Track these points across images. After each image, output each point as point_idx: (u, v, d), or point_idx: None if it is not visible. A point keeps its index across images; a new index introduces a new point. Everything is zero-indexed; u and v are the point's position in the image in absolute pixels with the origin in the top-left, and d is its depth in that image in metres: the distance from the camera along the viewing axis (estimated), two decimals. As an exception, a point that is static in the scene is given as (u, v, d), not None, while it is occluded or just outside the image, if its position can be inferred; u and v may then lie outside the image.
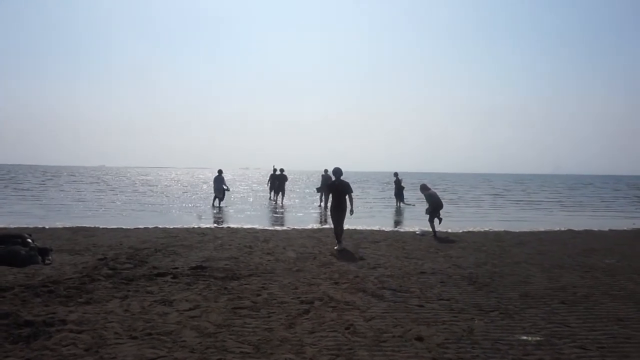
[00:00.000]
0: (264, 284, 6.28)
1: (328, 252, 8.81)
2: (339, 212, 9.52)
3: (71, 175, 65.24)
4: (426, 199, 11.60)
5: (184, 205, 20.81)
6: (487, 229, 12.89)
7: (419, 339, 4.30)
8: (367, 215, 17.13)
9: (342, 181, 9.54)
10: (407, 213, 18.70)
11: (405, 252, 9.07)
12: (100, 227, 11.79)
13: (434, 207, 11.38)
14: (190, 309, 5.07)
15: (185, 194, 29.38)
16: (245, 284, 6.24)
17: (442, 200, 11.86)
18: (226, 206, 19.96)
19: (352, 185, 9.78)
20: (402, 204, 21.53)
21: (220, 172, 19.12)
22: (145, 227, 11.80)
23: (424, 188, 11.83)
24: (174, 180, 52.98)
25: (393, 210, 20.50)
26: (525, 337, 4.39)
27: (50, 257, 7.41)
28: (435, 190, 11.97)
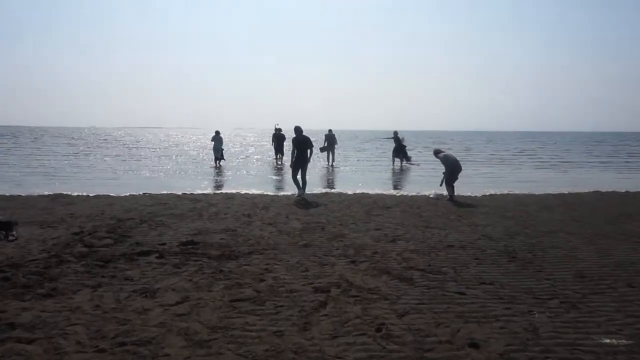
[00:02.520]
0: (268, 264, 5.27)
1: (337, 221, 7.78)
2: (302, 164, 10.60)
3: (56, 136, 63.17)
4: (442, 162, 10.46)
5: (178, 168, 19.62)
6: (506, 192, 11.86)
7: (474, 345, 3.32)
8: (371, 179, 16.09)
9: (305, 136, 10.60)
10: (413, 174, 17.60)
11: (424, 219, 8.07)
12: (82, 194, 10.66)
13: (452, 170, 10.30)
14: (177, 303, 4.05)
15: (180, 155, 28.04)
16: (245, 265, 5.23)
17: (460, 163, 10.71)
18: (225, 167, 19.19)
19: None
20: (405, 163, 20.41)
21: (217, 132, 19.47)
22: (132, 195, 10.66)
23: (437, 152, 10.72)
24: (171, 142, 51.32)
25: (394, 170, 19.26)
26: (608, 340, 3.42)
27: (14, 233, 6.33)
28: (450, 152, 10.80)
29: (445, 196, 10.36)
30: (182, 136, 75.35)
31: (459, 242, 6.40)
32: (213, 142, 19.44)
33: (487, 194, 11.44)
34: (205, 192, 11.39)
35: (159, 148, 35.44)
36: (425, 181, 14.33)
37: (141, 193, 10.90)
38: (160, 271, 4.96)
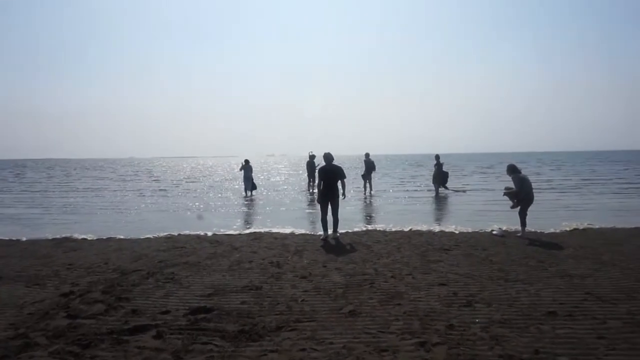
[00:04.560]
0: (303, 349, 3.75)
1: (388, 272, 6.20)
2: (332, 198, 8.90)
3: (87, 168, 63.45)
4: (516, 183, 8.58)
5: (204, 202, 18.43)
6: (585, 225, 9.92)
7: None
8: (416, 211, 14.39)
9: (335, 166, 8.96)
10: (462, 204, 15.70)
11: (498, 267, 6.37)
12: (91, 237, 9.42)
13: (528, 198, 8.52)
14: None
15: (209, 187, 27.01)
16: (272, 351, 3.72)
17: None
18: (255, 198, 18.16)
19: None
20: (443, 189, 18.48)
21: (247, 161, 18.97)
22: (146, 237, 9.35)
23: (513, 169, 8.75)
24: (203, 172, 50.82)
25: (435, 198, 17.15)
26: None
27: (-14, 297, 5.08)
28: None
29: (517, 232, 8.61)
30: (214, 166, 75.14)
31: (560, 307, 4.69)
32: (243, 172, 19.12)
33: (565, 229, 9.54)
34: (229, 232, 9.99)
35: (187, 180, 34.65)
36: (480, 213, 12.55)
37: (158, 235, 9.62)
38: (153, 364, 3.51)
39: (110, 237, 9.35)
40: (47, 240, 9.06)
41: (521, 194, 8.47)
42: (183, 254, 7.51)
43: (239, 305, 4.90)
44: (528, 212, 8.74)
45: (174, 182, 31.49)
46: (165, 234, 9.75)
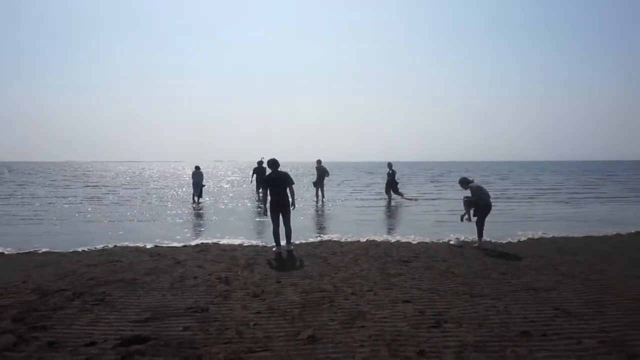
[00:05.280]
0: (256, 388, 3.17)
1: (348, 287, 5.74)
2: (282, 208, 8.23)
3: (16, 172, 58.74)
4: (474, 192, 8.39)
5: (146, 209, 17.23)
6: (540, 235, 9.97)
7: None
8: (371, 220, 14.08)
9: (281, 172, 8.26)
10: (414, 212, 15.58)
11: (461, 281, 6.08)
12: (8, 252, 8.27)
13: (485, 205, 8.37)
14: None
15: (151, 194, 25.44)
16: (219, 393, 3.11)
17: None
18: (202, 205, 17.21)
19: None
20: (396, 196, 18.62)
21: (197, 167, 18.79)
22: (77, 250, 8.36)
23: (466, 181, 8.66)
24: (145, 177, 48.26)
25: (389, 207, 16.83)
26: None
27: None
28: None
29: (473, 242, 8.45)
30: (159, 171, 71.91)
31: (532, 325, 4.41)
32: (192, 178, 18.61)
33: (521, 238, 9.52)
34: (172, 244, 9.16)
35: (128, 186, 32.69)
36: (435, 223, 12.40)
37: (91, 248, 8.64)
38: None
39: (33, 251, 8.27)
40: (-44, 255, 7.85)
41: (480, 202, 8.33)
42: (118, 270, 6.67)
43: (180, 332, 4.24)
44: (485, 222, 8.63)
45: (112, 188, 29.45)
46: (100, 246, 8.79)
